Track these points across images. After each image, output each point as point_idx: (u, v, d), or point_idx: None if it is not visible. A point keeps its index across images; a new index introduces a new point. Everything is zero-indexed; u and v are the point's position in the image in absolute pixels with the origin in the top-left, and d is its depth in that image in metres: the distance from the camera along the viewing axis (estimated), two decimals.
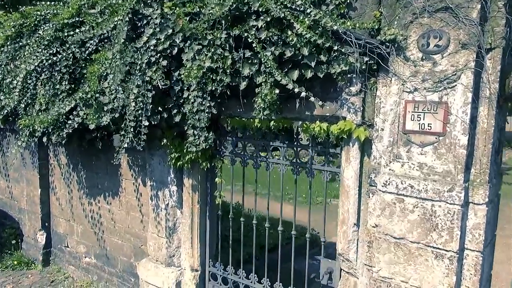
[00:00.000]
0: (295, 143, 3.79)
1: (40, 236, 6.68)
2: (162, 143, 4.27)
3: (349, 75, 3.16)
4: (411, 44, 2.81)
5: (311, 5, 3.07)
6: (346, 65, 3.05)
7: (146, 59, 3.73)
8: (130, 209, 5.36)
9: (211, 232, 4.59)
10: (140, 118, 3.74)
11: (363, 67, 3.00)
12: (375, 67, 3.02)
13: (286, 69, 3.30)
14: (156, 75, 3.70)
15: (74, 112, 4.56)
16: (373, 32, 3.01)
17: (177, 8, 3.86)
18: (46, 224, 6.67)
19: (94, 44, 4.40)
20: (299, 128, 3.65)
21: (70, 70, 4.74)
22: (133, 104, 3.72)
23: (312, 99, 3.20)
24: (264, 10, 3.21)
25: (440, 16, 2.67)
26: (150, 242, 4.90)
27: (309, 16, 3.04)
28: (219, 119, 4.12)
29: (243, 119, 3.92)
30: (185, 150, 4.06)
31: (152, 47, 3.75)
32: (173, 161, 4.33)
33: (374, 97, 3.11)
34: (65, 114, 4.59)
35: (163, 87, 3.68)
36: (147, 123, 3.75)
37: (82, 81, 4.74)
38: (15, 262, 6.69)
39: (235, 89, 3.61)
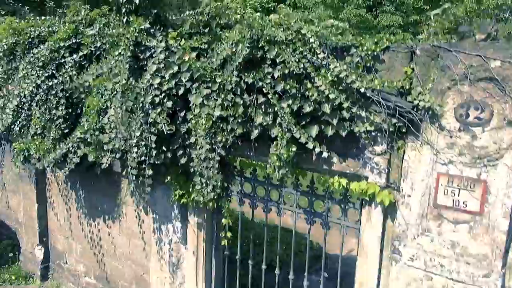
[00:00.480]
0: (310, 192, 3.52)
1: (38, 251, 6.47)
2: (166, 181, 3.99)
3: (373, 133, 2.88)
4: (448, 112, 2.51)
5: (335, 58, 2.75)
6: (371, 125, 2.77)
7: (149, 99, 3.42)
8: (131, 235, 5.12)
9: (217, 272, 4.37)
10: (143, 166, 3.43)
11: (391, 129, 2.72)
12: (404, 130, 2.73)
13: (303, 122, 3.01)
14: (161, 118, 3.39)
15: (75, 145, 4.23)
16: (403, 90, 2.71)
17: (183, 40, 3.53)
18: (44, 239, 6.45)
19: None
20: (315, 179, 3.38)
21: (67, 94, 4.43)
22: (135, 149, 3.41)
23: (334, 159, 2.92)
24: (281, 60, 2.88)
25: (483, 86, 2.38)
26: (153, 275, 4.69)
27: (331, 71, 2.73)
28: (228, 158, 3.83)
29: (253, 161, 3.64)
30: (190, 189, 3.81)
31: (156, 85, 3.44)
32: (177, 197, 4.06)
33: (401, 160, 2.83)
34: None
35: (168, 132, 3.38)
36: (150, 172, 3.44)
37: (80, 105, 4.44)
38: (13, 277, 6.49)
39: (246, 133, 3.32)
